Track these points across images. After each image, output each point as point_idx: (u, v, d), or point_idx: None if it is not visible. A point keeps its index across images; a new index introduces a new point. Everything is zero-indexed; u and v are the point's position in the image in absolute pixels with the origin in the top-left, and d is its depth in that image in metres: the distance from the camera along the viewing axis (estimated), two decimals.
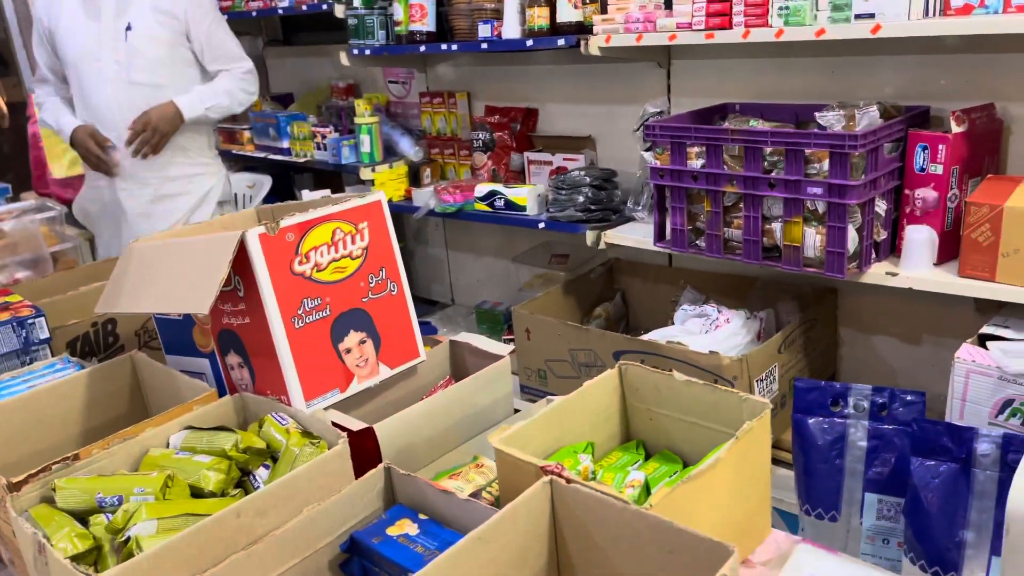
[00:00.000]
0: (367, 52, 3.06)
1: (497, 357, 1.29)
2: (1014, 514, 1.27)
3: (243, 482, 1.09)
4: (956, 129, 1.88)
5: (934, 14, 1.84)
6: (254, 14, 3.51)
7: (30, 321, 1.50)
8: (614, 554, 0.89)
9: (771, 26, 2.04)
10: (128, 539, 0.91)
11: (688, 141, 2.15)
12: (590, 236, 2.55)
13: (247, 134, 3.91)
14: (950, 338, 2.27)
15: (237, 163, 4.24)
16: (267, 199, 3.96)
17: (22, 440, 1.24)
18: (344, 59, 3.18)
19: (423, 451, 1.19)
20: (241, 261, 1.11)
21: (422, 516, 1.04)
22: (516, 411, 1.32)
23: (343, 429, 1.10)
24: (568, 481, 0.92)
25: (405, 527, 1.02)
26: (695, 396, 1.10)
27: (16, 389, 1.39)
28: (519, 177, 3.08)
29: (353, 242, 1.21)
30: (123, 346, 1.67)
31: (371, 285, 1.24)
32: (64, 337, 1.59)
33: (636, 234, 2.51)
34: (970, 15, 1.80)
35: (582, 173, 2.64)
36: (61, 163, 4.08)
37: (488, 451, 1.27)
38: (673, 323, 2.46)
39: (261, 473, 1.08)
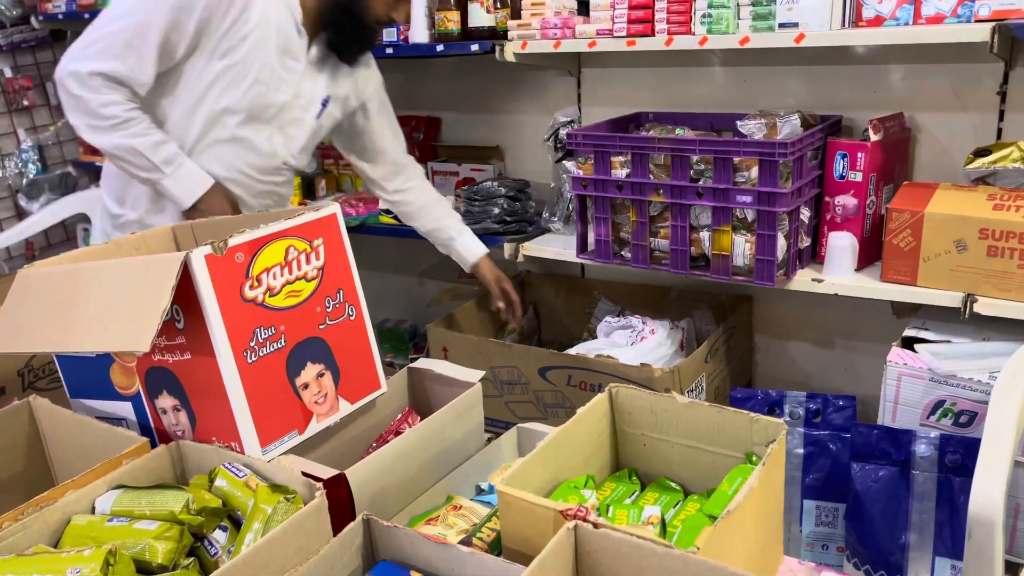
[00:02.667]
0: None
1: (466, 384, 1.17)
2: (976, 518, 1.28)
3: (195, 549, 0.92)
4: (874, 137, 1.93)
5: (848, 25, 1.88)
6: None
7: None
8: None
9: (694, 34, 2.03)
10: None
11: (613, 150, 2.10)
12: (508, 249, 2.46)
13: None
14: (862, 341, 2.34)
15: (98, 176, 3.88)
16: None
17: None
18: None
19: (396, 496, 1.05)
20: (181, 287, 0.94)
21: (414, 574, 0.91)
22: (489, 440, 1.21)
23: (312, 478, 0.95)
24: (596, 525, 0.82)
25: None
26: (697, 418, 1.03)
27: None
28: None
29: (308, 262, 1.06)
30: (4, 388, 1.43)
31: (328, 310, 1.09)
32: None
33: (554, 246, 2.45)
34: (881, 26, 1.85)
35: (496, 184, 2.55)
36: None
37: (463, 489, 1.15)
38: (595, 336, 2.41)
39: (218, 537, 0.91)
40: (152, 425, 1.09)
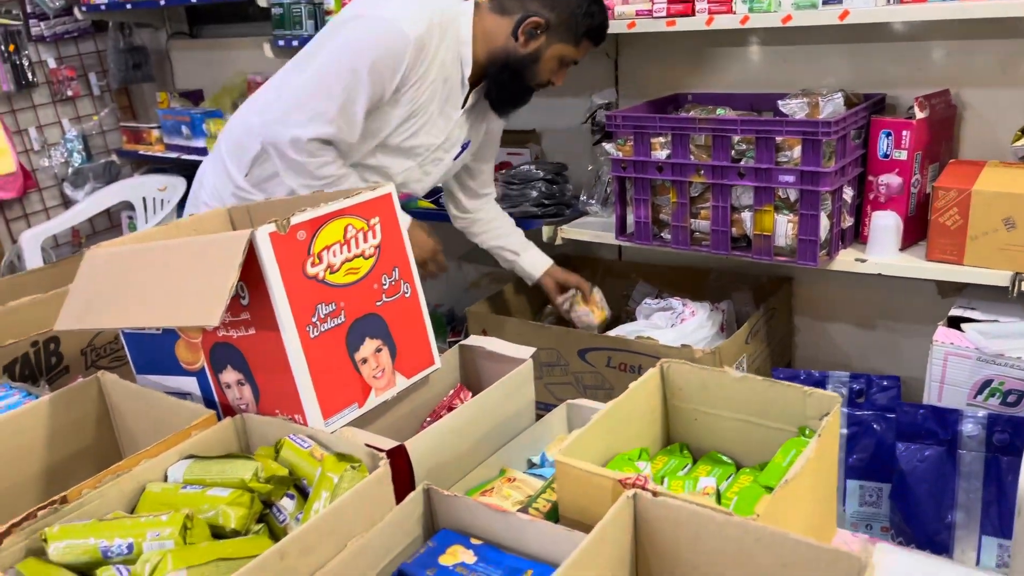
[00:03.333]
0: (295, 43, 2.88)
1: (518, 361, 1.19)
2: None
3: (264, 516, 0.95)
4: (920, 115, 1.91)
5: (893, 1, 1.86)
6: (162, 3, 3.26)
7: None
8: (712, 573, 0.82)
9: (735, 12, 2.02)
10: None
11: (653, 131, 2.10)
12: (546, 231, 2.47)
13: (155, 133, 3.65)
14: (905, 322, 2.32)
15: (143, 164, 3.96)
16: (181, 203, 3.70)
17: None
18: (268, 51, 2.99)
19: (452, 468, 1.08)
20: (245, 264, 0.97)
21: (475, 541, 0.93)
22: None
23: (373, 448, 0.98)
24: (655, 494, 0.83)
25: (459, 555, 0.91)
26: (750, 393, 1.04)
27: None
28: None
29: (366, 239, 1.09)
30: (68, 367, 1.48)
31: (385, 287, 1.12)
32: (0, 360, 1.39)
33: (592, 228, 2.46)
34: (927, 1, 1.83)
35: (533, 167, 2.57)
36: None
37: (515, 463, 1.18)
38: (634, 318, 2.42)
39: (286, 504, 0.94)
40: (216, 399, 1.12)
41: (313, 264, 1.02)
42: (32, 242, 3.59)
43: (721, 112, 2.13)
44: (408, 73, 1.75)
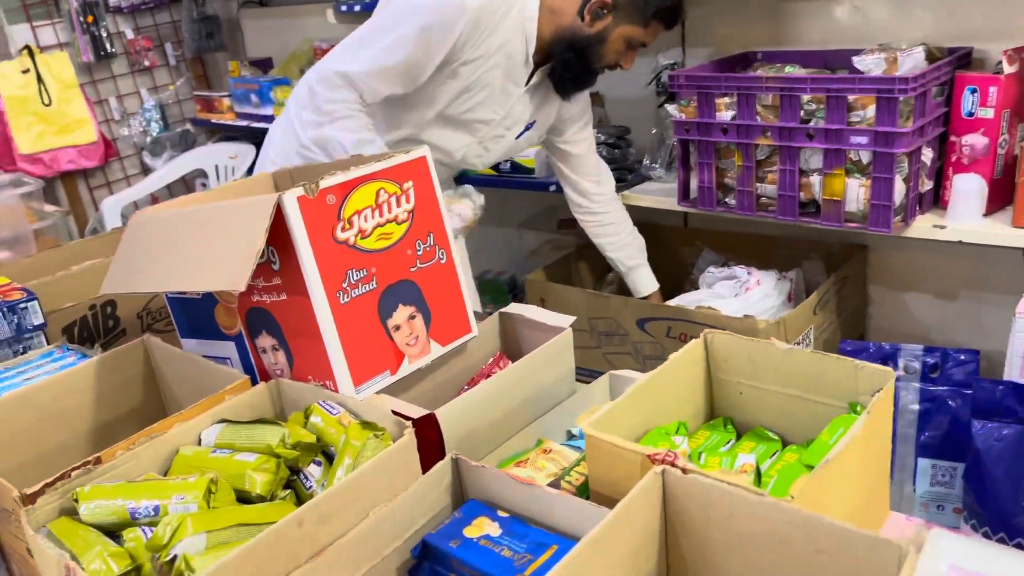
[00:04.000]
0: (356, 8, 2.87)
1: (557, 330, 1.15)
2: None
3: (292, 482, 0.95)
4: (1008, 69, 1.77)
5: None
6: None
7: (22, 306, 1.34)
8: (743, 555, 0.77)
9: None
10: (175, 557, 0.77)
11: (717, 91, 2.01)
12: None
13: (226, 102, 3.71)
14: (989, 292, 2.18)
15: (216, 133, 4.04)
16: (250, 170, 3.77)
17: (24, 441, 1.09)
18: (331, 17, 2.99)
19: (485, 438, 1.06)
20: (276, 229, 0.96)
21: (501, 513, 0.91)
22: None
23: (402, 417, 0.96)
24: (684, 471, 0.79)
25: (485, 527, 0.89)
26: (799, 366, 0.98)
27: (12, 382, 1.24)
28: None
29: (399, 204, 1.06)
30: (125, 330, 1.51)
31: (419, 253, 1.09)
32: (59, 322, 1.43)
33: (655, 193, 2.39)
34: None
35: (595, 131, 2.49)
36: (27, 137, 3.84)
37: (553, 434, 1.15)
38: (698, 287, 2.34)
39: (313, 471, 0.94)
40: (253, 364, 1.13)
41: (344, 229, 1.01)
42: (112, 209, 3.72)
43: (790, 70, 2.02)
44: (463, 44, 1.71)
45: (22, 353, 1.35)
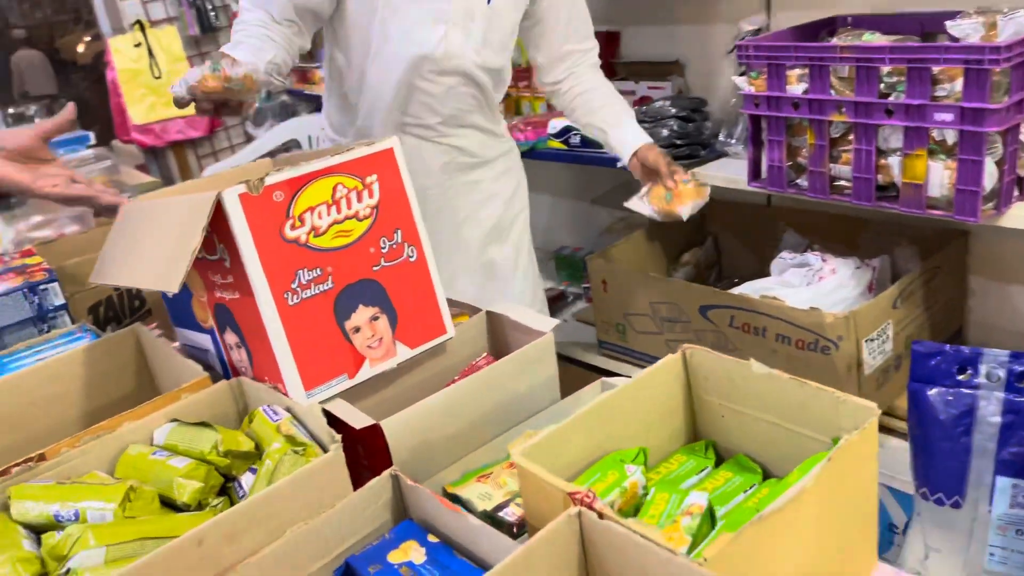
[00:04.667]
0: None
1: (538, 333, 1.07)
2: None
3: (228, 489, 0.93)
4: None
5: None
6: None
7: (42, 287, 1.38)
8: None
9: None
10: (67, 570, 0.76)
11: (788, 62, 1.83)
12: None
13: (319, 73, 3.76)
14: None
15: (311, 104, 4.12)
16: None
17: (14, 424, 1.12)
18: None
19: (444, 448, 1.00)
20: (224, 226, 0.93)
21: (431, 539, 0.85)
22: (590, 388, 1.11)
23: (348, 429, 0.92)
24: (600, 516, 0.70)
25: (411, 552, 0.84)
26: (778, 392, 0.86)
27: (25, 362, 1.28)
28: None
29: (359, 200, 1.01)
30: (151, 310, 1.55)
31: (384, 251, 1.04)
32: (86, 302, 1.48)
33: (729, 171, 2.22)
34: None
35: (667, 103, 2.35)
36: (139, 108, 4.05)
37: None
38: (770, 273, 2.17)
39: (247, 480, 0.91)
40: (226, 359, 1.11)
41: (293, 227, 0.96)
42: None
43: (868, 38, 1.81)
44: None
45: (46, 332, 1.40)
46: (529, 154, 2.69)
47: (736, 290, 2.06)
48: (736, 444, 0.94)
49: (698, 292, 2.11)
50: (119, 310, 1.51)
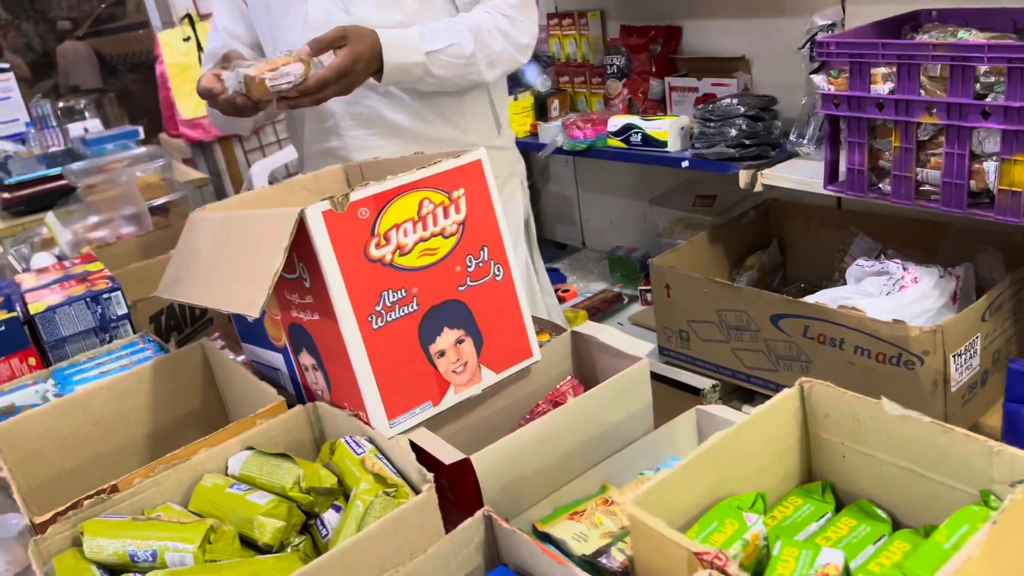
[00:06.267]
0: None
1: (632, 359, 1.00)
2: None
3: (309, 527, 0.87)
4: None
5: None
6: None
7: (105, 296, 1.34)
8: None
9: None
10: None
11: (874, 60, 1.72)
12: (744, 176, 2.18)
13: None
14: None
15: None
16: None
17: (79, 443, 1.08)
18: None
19: (536, 483, 0.93)
20: (305, 244, 0.87)
21: None
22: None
23: (433, 461, 0.85)
24: None
25: None
26: (915, 436, 0.78)
27: (89, 375, 1.24)
28: (659, 107, 2.70)
29: (446, 216, 0.94)
30: (211, 319, 1.50)
31: (470, 269, 0.97)
32: (148, 311, 1.44)
33: (801, 173, 2.12)
34: None
35: (735, 101, 2.25)
36: (188, 103, 4.03)
37: (620, 478, 1.00)
38: (844, 280, 2.07)
39: (330, 518, 0.85)
40: (299, 379, 1.06)
41: (378, 245, 0.90)
42: (261, 173, 3.84)
43: (964, 35, 1.70)
44: None
45: (108, 342, 1.36)
46: (587, 152, 2.61)
47: (811, 298, 1.96)
48: (859, 488, 0.86)
49: (769, 300, 2.01)
50: (180, 319, 1.46)
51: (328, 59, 1.32)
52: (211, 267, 0.97)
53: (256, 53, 1.67)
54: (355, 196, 0.87)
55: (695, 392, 2.18)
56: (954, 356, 1.75)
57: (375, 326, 0.90)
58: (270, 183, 3.84)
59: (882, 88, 1.73)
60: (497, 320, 0.99)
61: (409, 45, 1.38)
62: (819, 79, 1.87)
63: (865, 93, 1.76)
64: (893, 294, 1.90)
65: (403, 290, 0.92)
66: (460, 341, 0.97)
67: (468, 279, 0.97)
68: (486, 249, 0.98)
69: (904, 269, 1.91)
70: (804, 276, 2.52)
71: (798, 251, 2.54)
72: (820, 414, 0.86)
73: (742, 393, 2.20)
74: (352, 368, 0.90)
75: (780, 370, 2.08)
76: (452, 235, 0.95)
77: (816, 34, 2.22)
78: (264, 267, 0.84)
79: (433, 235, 0.93)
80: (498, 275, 0.99)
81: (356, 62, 1.31)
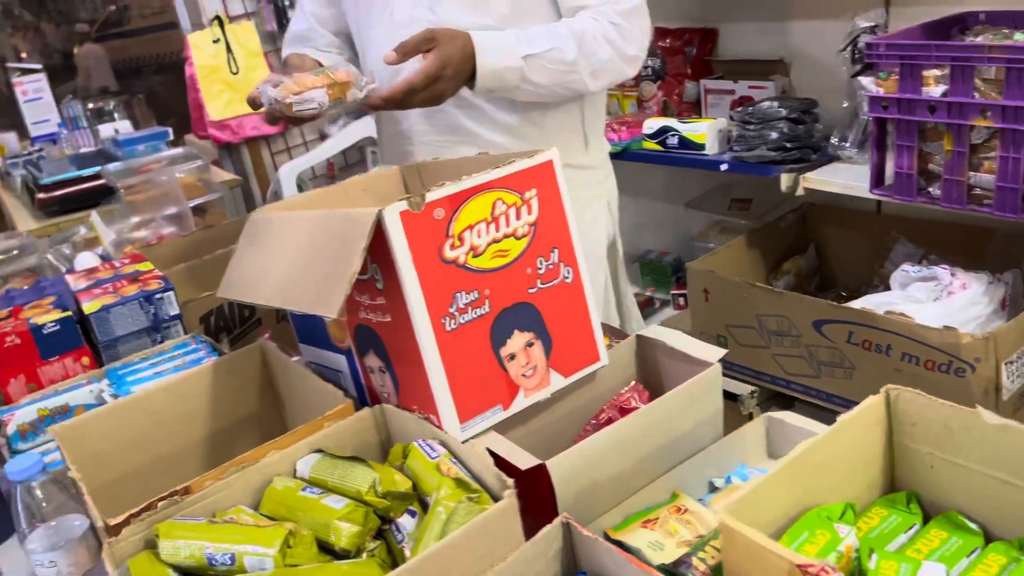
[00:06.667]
0: None
1: (703, 364, 0.98)
2: None
3: (384, 531, 0.85)
4: None
5: None
6: None
7: (158, 296, 1.34)
8: None
9: None
10: None
11: (927, 62, 1.70)
12: (785, 180, 2.15)
13: None
14: None
15: None
16: None
17: (141, 445, 1.07)
18: None
19: (608, 491, 0.91)
20: (379, 244, 0.86)
21: None
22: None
23: (508, 467, 0.84)
24: None
25: None
26: (1014, 445, 0.76)
27: (143, 375, 1.23)
28: (694, 109, 2.68)
29: (518, 216, 0.92)
30: (260, 320, 1.49)
31: (540, 272, 0.95)
32: (198, 311, 1.43)
33: (843, 177, 2.09)
34: None
35: (776, 104, 2.23)
36: (217, 104, 4.04)
37: (691, 486, 0.98)
38: (884, 286, 2.05)
39: (406, 523, 0.84)
40: (363, 383, 1.04)
41: (453, 247, 0.88)
42: (289, 175, 3.85)
43: (1020, 37, 1.68)
44: None
45: (159, 342, 1.36)
46: (621, 155, 2.59)
47: (856, 304, 1.93)
48: (947, 499, 0.84)
49: (812, 305, 1.99)
50: (229, 320, 1.46)
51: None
52: (281, 267, 0.95)
53: (342, 41, 1.63)
54: (431, 196, 0.86)
55: (733, 398, 2.17)
56: (1006, 364, 1.72)
57: (448, 328, 0.89)
58: (297, 185, 3.85)
59: (934, 90, 1.71)
60: (566, 323, 0.98)
61: (505, 48, 1.28)
62: (867, 81, 1.85)
63: (916, 95, 1.73)
64: (941, 300, 1.87)
65: (476, 292, 0.91)
66: (530, 344, 0.96)
67: (539, 281, 0.95)
68: (556, 251, 0.96)
69: (952, 275, 1.88)
70: (841, 282, 2.49)
71: (835, 256, 2.51)
72: (907, 422, 0.84)
73: (780, 400, 2.17)
74: (425, 370, 0.88)
75: (821, 376, 2.05)
76: (524, 236, 0.93)
77: (858, 36, 2.19)
78: (341, 267, 0.82)
79: (505, 236, 0.92)
80: (568, 277, 0.98)
81: (446, 66, 1.21)
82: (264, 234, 1.05)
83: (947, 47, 1.68)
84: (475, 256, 0.90)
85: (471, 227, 0.89)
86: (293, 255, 0.94)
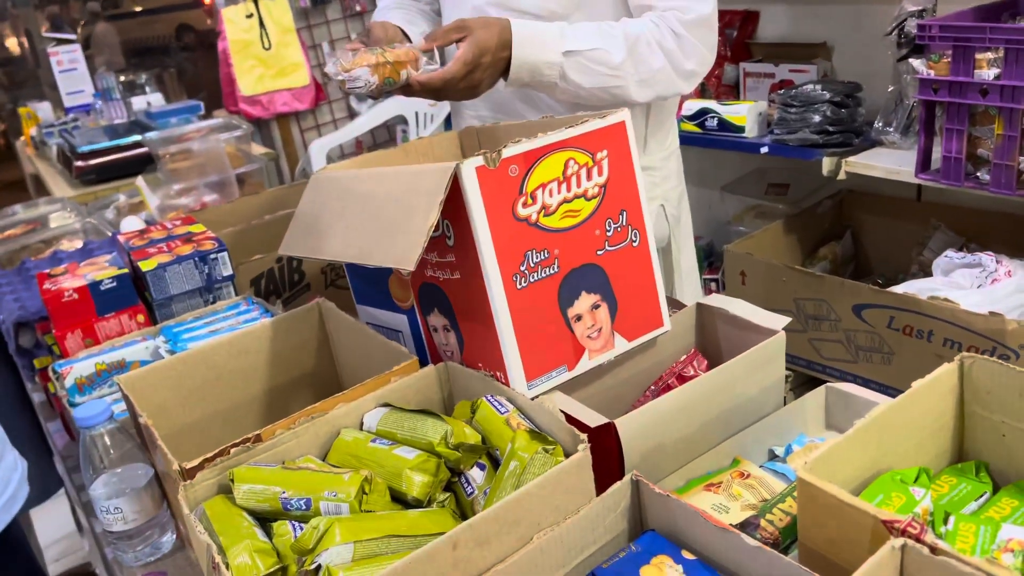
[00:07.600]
0: None
1: (767, 332, 0.98)
2: None
3: (452, 484, 0.86)
4: None
5: None
6: None
7: (212, 256, 1.34)
8: None
9: None
10: (319, 567, 0.71)
11: (981, 44, 1.68)
12: (827, 163, 2.14)
13: None
14: None
15: None
16: (447, 118, 3.77)
17: (202, 398, 1.08)
18: None
19: (672, 453, 0.92)
20: (452, 201, 0.86)
21: (686, 554, 0.77)
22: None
23: (577, 424, 0.84)
24: (934, 550, 0.61)
25: (665, 569, 0.76)
26: None
27: (198, 334, 1.24)
28: (732, 92, 2.67)
29: (589, 177, 0.92)
30: (309, 284, 1.50)
31: (608, 234, 0.95)
32: (248, 274, 1.44)
33: (887, 161, 2.08)
34: None
35: (818, 87, 2.21)
36: (249, 80, 4.05)
37: (752, 452, 0.98)
38: (922, 273, 2.04)
39: (475, 475, 0.84)
40: (424, 341, 1.05)
41: (525, 204, 0.88)
42: (319, 152, 3.86)
43: None
44: None
45: (211, 303, 1.37)
46: None
47: (898, 289, 1.92)
48: (1017, 468, 0.83)
49: (853, 289, 1.98)
50: (279, 283, 1.46)
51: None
52: (351, 223, 0.96)
53: (433, 8, 1.57)
54: (507, 152, 0.86)
55: None
56: None
57: (519, 286, 0.89)
58: (328, 161, 3.85)
59: (987, 73, 1.69)
60: (632, 287, 0.98)
61: (546, 40, 1.19)
62: (918, 63, 1.83)
63: (969, 78, 1.71)
64: (985, 287, 1.86)
65: (546, 251, 0.91)
66: (596, 306, 0.96)
67: (607, 243, 0.95)
68: (624, 214, 0.96)
69: (997, 262, 1.87)
70: (877, 269, 2.48)
71: (872, 244, 2.50)
72: (981, 390, 0.84)
73: (815, 385, 2.17)
74: (495, 327, 0.89)
75: (859, 361, 2.04)
76: (594, 198, 0.93)
77: (905, 19, 2.17)
78: (418, 220, 0.83)
79: (576, 196, 0.92)
80: (635, 241, 0.98)
81: (483, 53, 1.15)
82: (328, 191, 1.06)
83: (1002, 29, 1.66)
84: (546, 215, 0.90)
85: (543, 185, 0.89)
86: (363, 211, 0.94)
